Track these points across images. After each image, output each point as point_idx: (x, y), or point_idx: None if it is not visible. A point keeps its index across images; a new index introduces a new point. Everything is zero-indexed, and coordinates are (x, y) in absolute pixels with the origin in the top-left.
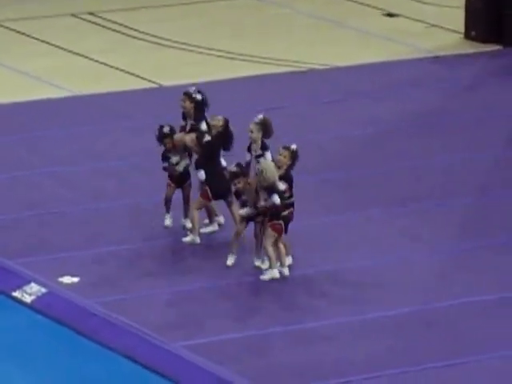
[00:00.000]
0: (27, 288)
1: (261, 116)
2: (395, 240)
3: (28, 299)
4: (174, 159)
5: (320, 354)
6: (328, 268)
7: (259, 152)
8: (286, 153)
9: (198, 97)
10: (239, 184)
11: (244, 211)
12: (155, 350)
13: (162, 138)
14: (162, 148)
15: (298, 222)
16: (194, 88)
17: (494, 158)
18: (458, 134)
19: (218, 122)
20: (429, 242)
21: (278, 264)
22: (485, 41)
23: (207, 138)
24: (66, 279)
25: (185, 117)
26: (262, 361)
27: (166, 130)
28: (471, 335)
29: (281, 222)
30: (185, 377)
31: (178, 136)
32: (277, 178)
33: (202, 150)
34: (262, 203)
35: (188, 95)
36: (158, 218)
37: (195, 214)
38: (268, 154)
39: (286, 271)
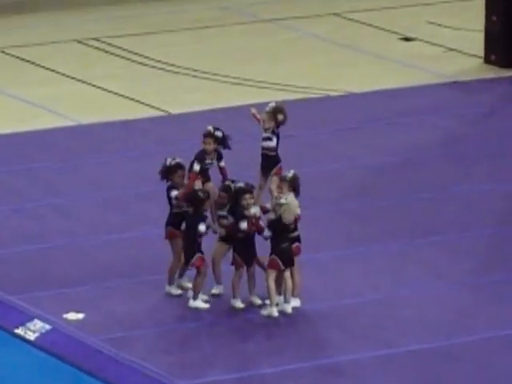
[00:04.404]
0: (30, 325)
1: (272, 104)
2: (415, 272)
3: (31, 336)
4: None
5: None
6: (345, 302)
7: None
8: (285, 184)
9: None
10: (252, 199)
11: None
12: None
13: (166, 171)
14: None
15: (314, 254)
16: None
17: None
18: (479, 163)
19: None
20: (450, 274)
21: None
22: (505, 65)
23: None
24: (71, 315)
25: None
26: None
27: (172, 162)
28: (499, 371)
29: (274, 257)
30: None
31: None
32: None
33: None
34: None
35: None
36: (164, 251)
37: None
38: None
39: (289, 308)
